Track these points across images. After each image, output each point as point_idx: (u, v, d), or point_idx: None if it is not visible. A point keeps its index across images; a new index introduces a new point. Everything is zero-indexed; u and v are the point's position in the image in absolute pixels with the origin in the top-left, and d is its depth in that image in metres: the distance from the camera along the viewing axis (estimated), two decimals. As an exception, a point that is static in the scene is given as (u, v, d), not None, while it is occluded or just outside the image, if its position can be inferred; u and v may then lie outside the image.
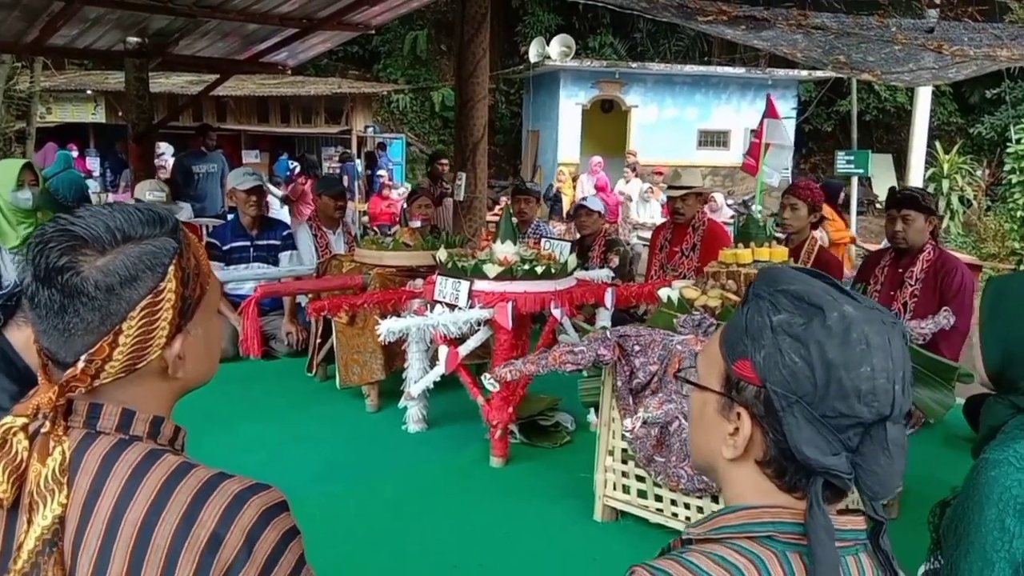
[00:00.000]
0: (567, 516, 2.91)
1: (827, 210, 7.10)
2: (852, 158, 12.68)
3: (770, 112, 4.14)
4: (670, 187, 5.10)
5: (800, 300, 1.00)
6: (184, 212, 7.21)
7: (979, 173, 16.24)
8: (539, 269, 3.39)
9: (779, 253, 2.67)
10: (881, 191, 17.67)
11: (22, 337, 1.80)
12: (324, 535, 2.74)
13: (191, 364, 1.09)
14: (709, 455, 1.08)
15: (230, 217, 5.30)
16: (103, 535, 0.97)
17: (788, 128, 4.15)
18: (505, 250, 3.48)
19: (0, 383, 1.74)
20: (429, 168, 9.15)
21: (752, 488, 1.04)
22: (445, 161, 8.84)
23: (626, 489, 2.80)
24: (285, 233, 5.19)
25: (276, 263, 5.06)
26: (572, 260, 3.62)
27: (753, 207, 3.69)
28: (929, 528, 1.97)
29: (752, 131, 18.43)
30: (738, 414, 1.02)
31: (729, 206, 13.14)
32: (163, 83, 14.58)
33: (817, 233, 4.24)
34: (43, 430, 1.00)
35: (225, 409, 3.95)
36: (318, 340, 4.45)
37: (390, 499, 3.08)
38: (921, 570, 2.29)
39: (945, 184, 14.91)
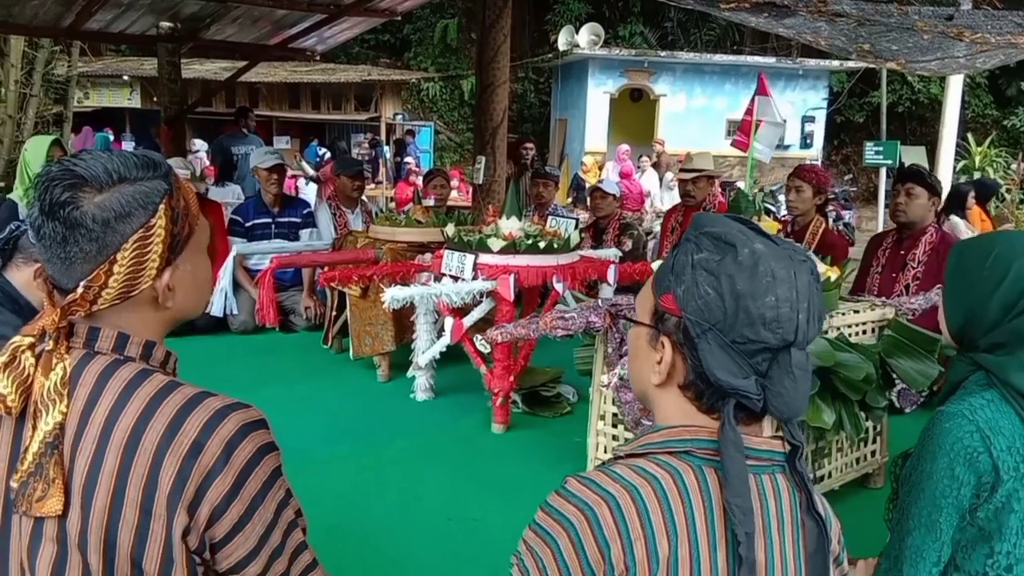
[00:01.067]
0: (560, 477, 3.02)
1: (976, 212, 6.96)
2: (880, 148, 12.61)
3: (761, 90, 4.19)
4: (681, 170, 5.17)
5: (718, 239, 1.11)
6: (230, 192, 7.37)
7: (1013, 167, 16.00)
8: (542, 244, 3.50)
9: (768, 226, 2.75)
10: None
11: (22, 277, 1.95)
12: (331, 489, 2.91)
13: (180, 295, 1.22)
14: (642, 383, 1.20)
15: (252, 194, 5.47)
16: (97, 440, 1.10)
17: (779, 106, 4.20)
18: (510, 225, 3.60)
19: (6, 318, 1.91)
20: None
21: (676, 410, 1.15)
22: (530, 145, 8.82)
23: (617, 453, 2.91)
24: (305, 211, 5.36)
25: (297, 240, 5.23)
26: (575, 236, 3.73)
27: (741, 184, 3.74)
28: (891, 479, 2.06)
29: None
30: (662, 343, 1.13)
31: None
32: (196, 69, 14.88)
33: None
34: (47, 349, 1.14)
35: (243, 377, 4.12)
36: (333, 313, 4.62)
37: (394, 458, 3.23)
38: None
39: (977, 176, 14.72)
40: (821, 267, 2.78)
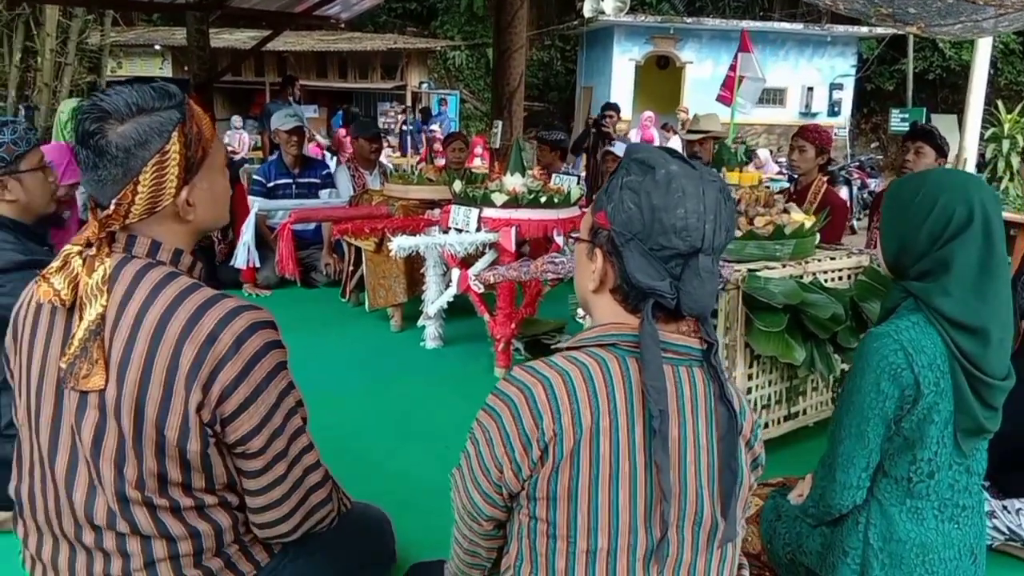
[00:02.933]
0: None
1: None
2: (907, 116, 12.54)
3: (743, 47, 4.31)
4: (689, 131, 5.29)
5: (642, 163, 1.30)
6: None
7: (1044, 134, 15.72)
8: (543, 199, 3.68)
9: (748, 177, 2.91)
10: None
11: None
12: (340, 418, 3.16)
13: (200, 209, 1.44)
14: (582, 290, 1.39)
15: (273, 156, 5.69)
16: (131, 327, 1.33)
17: (759, 64, 4.30)
18: (514, 182, 3.78)
19: (34, 247, 2.20)
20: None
21: (608, 311, 1.34)
22: (612, 113, 7.90)
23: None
24: (324, 172, 5.58)
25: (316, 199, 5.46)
26: (576, 191, 3.89)
27: (726, 141, 3.89)
28: (834, 402, 2.24)
29: (808, 88, 18.12)
30: (596, 254, 1.32)
31: (778, 163, 13.13)
32: (226, 39, 15.13)
33: None
34: (91, 254, 1.37)
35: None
36: (351, 268, 4.85)
37: (400, 395, 3.49)
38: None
39: (1005, 144, 14.52)
40: (798, 214, 2.94)
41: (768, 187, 7.39)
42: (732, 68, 4.13)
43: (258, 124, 9.87)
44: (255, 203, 4.95)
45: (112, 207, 1.35)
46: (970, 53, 17.19)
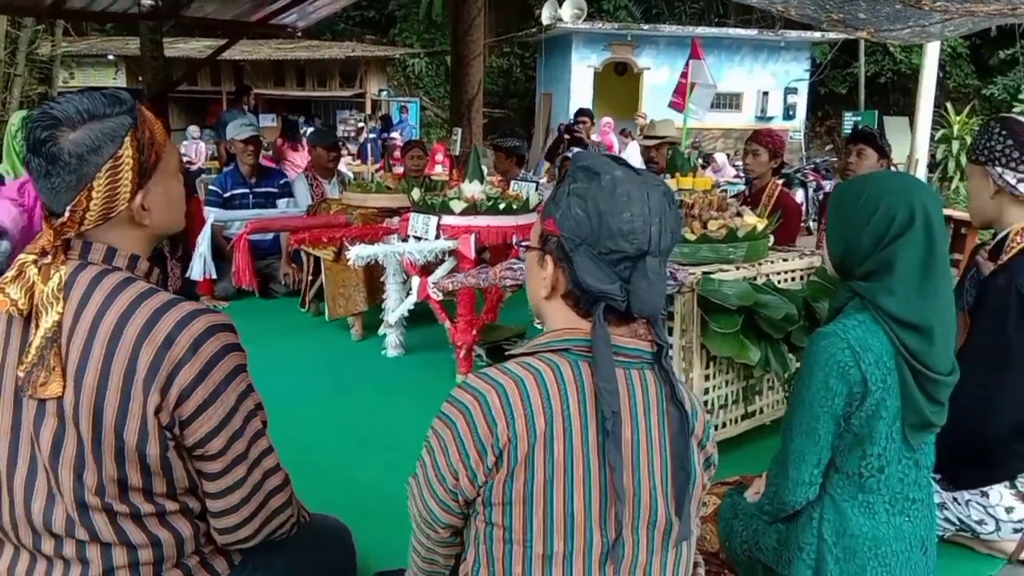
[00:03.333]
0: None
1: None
2: (859, 119, 12.81)
3: (694, 54, 4.40)
4: (645, 137, 5.36)
5: (588, 170, 1.32)
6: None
7: (992, 135, 16.16)
8: (501, 205, 3.69)
9: (702, 182, 2.95)
10: (898, 155, 17.58)
11: None
12: (301, 429, 3.13)
13: (155, 214, 1.43)
14: (534, 297, 1.41)
15: (229, 166, 5.64)
16: (87, 332, 1.33)
17: (710, 71, 4.40)
18: (472, 189, 3.79)
19: None
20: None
21: (560, 317, 1.36)
22: (585, 119, 7.78)
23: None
24: (282, 181, 5.53)
25: (274, 209, 5.41)
26: (535, 197, 3.92)
27: (680, 147, 3.96)
28: (787, 402, 2.28)
29: (764, 92, 18.37)
30: (546, 261, 1.34)
31: (734, 166, 13.31)
32: (181, 48, 14.94)
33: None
34: (46, 262, 1.36)
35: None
36: (310, 278, 4.82)
37: (361, 404, 3.48)
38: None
39: (955, 145, 14.90)
40: (751, 217, 2.99)
41: (724, 191, 7.47)
42: (684, 75, 4.20)
43: (214, 134, 9.77)
44: (211, 213, 4.89)
45: (67, 214, 1.35)
46: (919, 57, 17.62)
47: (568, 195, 1.31)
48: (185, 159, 14.07)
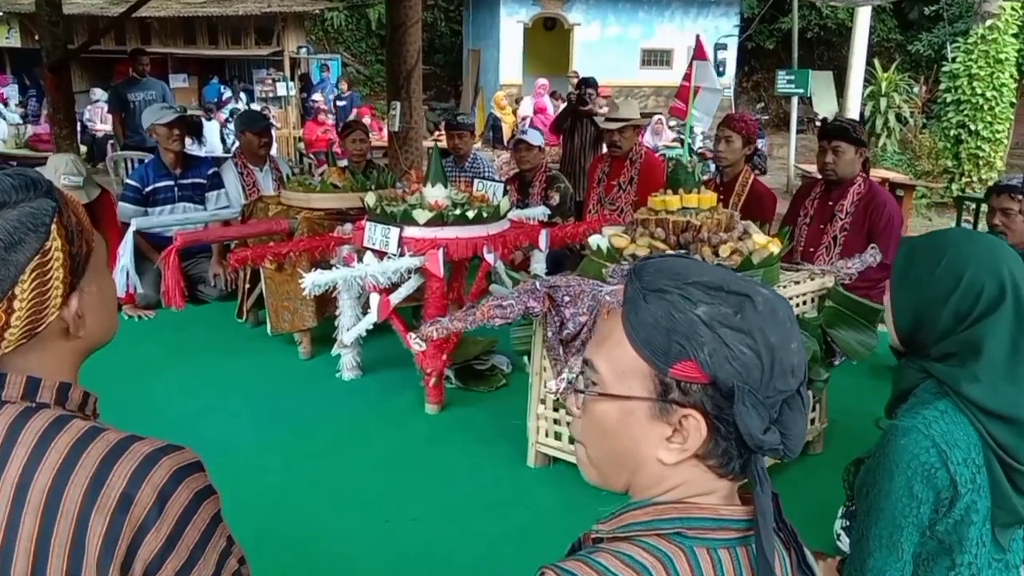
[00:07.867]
0: (501, 462, 2.94)
1: None
2: (792, 78, 12.73)
3: (699, 54, 4.03)
4: (607, 119, 5.02)
5: (719, 290, 0.97)
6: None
7: (916, 90, 16.38)
8: (471, 214, 3.32)
9: (708, 199, 2.65)
10: (822, 109, 17.74)
11: None
12: (256, 487, 2.73)
13: (91, 321, 1.09)
14: (633, 462, 1.03)
15: (149, 157, 5.05)
16: (11, 503, 0.96)
17: (717, 73, 4.08)
18: (436, 194, 3.40)
19: None
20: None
21: (692, 481, 1.00)
22: (591, 90, 6.80)
23: (558, 436, 2.83)
24: (211, 171, 4.98)
25: (202, 203, 4.88)
26: (505, 203, 3.56)
27: (678, 152, 3.64)
28: (844, 486, 2.02)
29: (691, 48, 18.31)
30: (687, 417, 0.98)
31: (671, 128, 13.11)
32: (81, 3, 13.76)
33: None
34: None
35: (151, 356, 3.86)
36: (247, 286, 4.34)
37: (323, 449, 3.06)
38: (837, 525, 2.37)
39: (883, 102, 15.02)
40: (760, 236, 2.71)
41: (664, 156, 7.02)
42: (686, 77, 3.83)
43: (109, 102, 8.94)
44: (133, 220, 4.31)
45: None
46: (845, 12, 17.68)
47: (709, 327, 0.95)
48: (90, 125, 13.07)
